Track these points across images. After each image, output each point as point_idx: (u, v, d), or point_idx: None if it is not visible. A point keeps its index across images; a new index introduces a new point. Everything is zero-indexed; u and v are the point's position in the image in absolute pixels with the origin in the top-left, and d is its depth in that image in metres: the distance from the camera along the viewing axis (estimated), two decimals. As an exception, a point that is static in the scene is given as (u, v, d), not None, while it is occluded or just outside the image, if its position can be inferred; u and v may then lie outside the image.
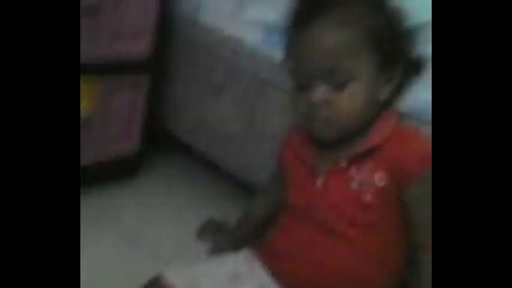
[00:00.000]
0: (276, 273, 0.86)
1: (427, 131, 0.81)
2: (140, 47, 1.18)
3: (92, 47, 1.10)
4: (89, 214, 1.03)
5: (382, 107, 0.82)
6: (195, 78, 1.21)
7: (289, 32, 0.82)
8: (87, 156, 1.19)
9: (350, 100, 0.77)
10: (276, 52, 0.95)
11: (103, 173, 1.26)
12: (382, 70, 0.79)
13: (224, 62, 1.13)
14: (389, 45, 0.78)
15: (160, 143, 1.42)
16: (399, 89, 0.83)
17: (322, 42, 0.76)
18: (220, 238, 1.09)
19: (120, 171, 1.30)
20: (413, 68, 0.83)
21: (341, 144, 0.82)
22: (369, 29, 0.77)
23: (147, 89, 1.24)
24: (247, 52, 1.05)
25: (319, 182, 0.82)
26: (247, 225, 1.06)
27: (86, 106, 1.16)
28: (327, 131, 0.80)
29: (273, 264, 0.87)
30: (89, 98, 1.15)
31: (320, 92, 0.77)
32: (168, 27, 1.23)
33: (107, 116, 1.21)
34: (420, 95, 0.86)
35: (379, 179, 0.78)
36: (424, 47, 0.81)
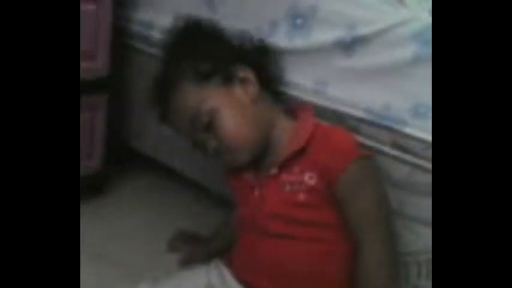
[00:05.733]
0: (242, 281, 0.88)
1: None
2: (95, 67, 1.17)
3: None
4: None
5: (269, 100, 0.89)
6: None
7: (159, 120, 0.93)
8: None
9: (228, 126, 0.84)
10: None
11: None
12: (228, 82, 0.86)
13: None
14: (215, 67, 0.85)
15: (124, 160, 1.41)
16: (264, 76, 0.89)
17: (176, 115, 0.88)
18: (192, 248, 1.11)
19: (83, 189, 1.28)
20: (257, 54, 0.90)
21: (267, 154, 0.87)
22: (193, 74, 0.85)
23: (106, 108, 1.23)
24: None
25: (256, 193, 0.86)
26: (222, 235, 1.08)
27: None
28: (238, 159, 0.86)
29: (236, 273, 0.90)
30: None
31: (207, 145, 0.85)
32: (124, 45, 1.23)
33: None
34: (377, 99, 0.86)
35: (309, 178, 0.82)
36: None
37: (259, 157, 0.87)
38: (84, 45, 1.13)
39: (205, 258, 1.02)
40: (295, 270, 0.83)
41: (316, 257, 0.83)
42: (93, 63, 1.17)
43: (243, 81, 0.86)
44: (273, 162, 0.85)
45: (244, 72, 0.86)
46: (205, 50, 0.87)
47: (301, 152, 0.83)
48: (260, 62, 0.90)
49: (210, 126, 0.84)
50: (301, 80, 0.94)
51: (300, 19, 0.91)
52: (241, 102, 0.85)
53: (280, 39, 0.95)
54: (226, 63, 0.86)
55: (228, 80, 0.86)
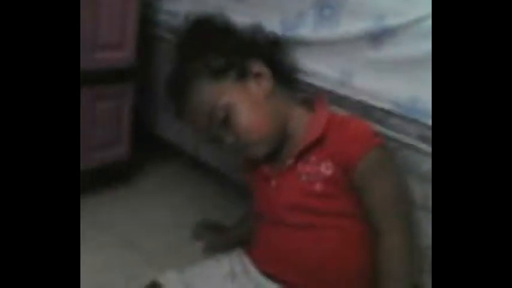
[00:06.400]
0: (262, 271, 0.89)
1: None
2: (122, 56, 1.19)
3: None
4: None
5: (284, 93, 0.88)
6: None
7: (176, 117, 0.92)
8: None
9: (244, 121, 0.84)
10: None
11: (92, 180, 1.26)
12: (242, 77, 0.85)
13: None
14: (228, 62, 0.85)
15: (151, 148, 1.43)
16: (278, 70, 0.88)
17: (192, 112, 0.87)
18: (216, 237, 1.12)
19: (110, 177, 1.31)
20: (270, 48, 0.89)
21: (284, 146, 0.87)
22: (208, 71, 0.84)
23: (132, 96, 1.25)
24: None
25: (273, 184, 0.87)
26: (243, 225, 1.09)
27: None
28: (255, 152, 0.87)
29: (256, 263, 0.91)
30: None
31: (224, 140, 0.85)
32: (150, 35, 1.24)
33: (92, 123, 1.22)
34: (404, 92, 0.85)
35: (326, 168, 0.82)
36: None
37: (277, 149, 0.87)
38: (111, 35, 1.15)
39: (226, 247, 1.04)
40: (314, 259, 0.83)
41: (335, 245, 0.83)
42: (120, 53, 1.19)
43: (257, 75, 0.86)
44: (290, 154, 0.86)
45: (258, 67, 0.86)
46: (218, 46, 0.87)
47: (317, 143, 0.83)
48: (273, 55, 0.89)
49: (227, 121, 0.84)
50: (328, 71, 0.94)
51: (327, 9, 0.90)
52: (256, 96, 0.85)
53: (307, 30, 0.94)
54: (239, 58, 0.86)
55: (243, 75, 0.85)
